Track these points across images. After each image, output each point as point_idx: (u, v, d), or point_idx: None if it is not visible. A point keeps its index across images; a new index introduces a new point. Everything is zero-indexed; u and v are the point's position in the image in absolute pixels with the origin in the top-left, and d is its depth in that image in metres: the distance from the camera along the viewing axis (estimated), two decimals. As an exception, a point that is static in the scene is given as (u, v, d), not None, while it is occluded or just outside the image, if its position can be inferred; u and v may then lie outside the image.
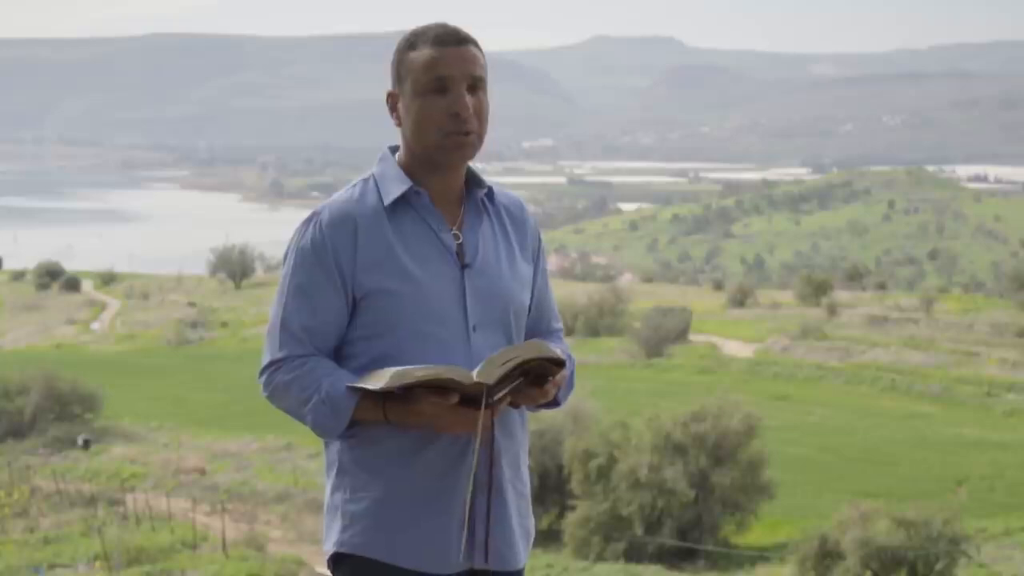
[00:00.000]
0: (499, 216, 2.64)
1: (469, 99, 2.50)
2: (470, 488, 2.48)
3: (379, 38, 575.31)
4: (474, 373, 2.37)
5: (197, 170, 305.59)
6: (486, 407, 2.39)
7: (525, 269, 2.64)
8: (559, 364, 2.45)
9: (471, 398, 2.38)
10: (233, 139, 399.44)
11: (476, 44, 2.53)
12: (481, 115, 2.53)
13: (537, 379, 2.47)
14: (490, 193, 2.63)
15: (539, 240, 2.72)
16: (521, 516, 2.62)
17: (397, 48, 2.57)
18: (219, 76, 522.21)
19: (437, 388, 2.37)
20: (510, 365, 2.37)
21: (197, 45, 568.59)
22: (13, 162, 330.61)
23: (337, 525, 2.55)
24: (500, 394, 2.40)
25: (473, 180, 2.60)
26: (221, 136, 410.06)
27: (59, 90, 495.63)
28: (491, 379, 2.36)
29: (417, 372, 2.34)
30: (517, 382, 2.42)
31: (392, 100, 2.58)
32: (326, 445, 2.60)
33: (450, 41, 2.50)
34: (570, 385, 2.63)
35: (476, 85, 2.51)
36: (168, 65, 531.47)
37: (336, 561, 2.56)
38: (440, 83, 2.48)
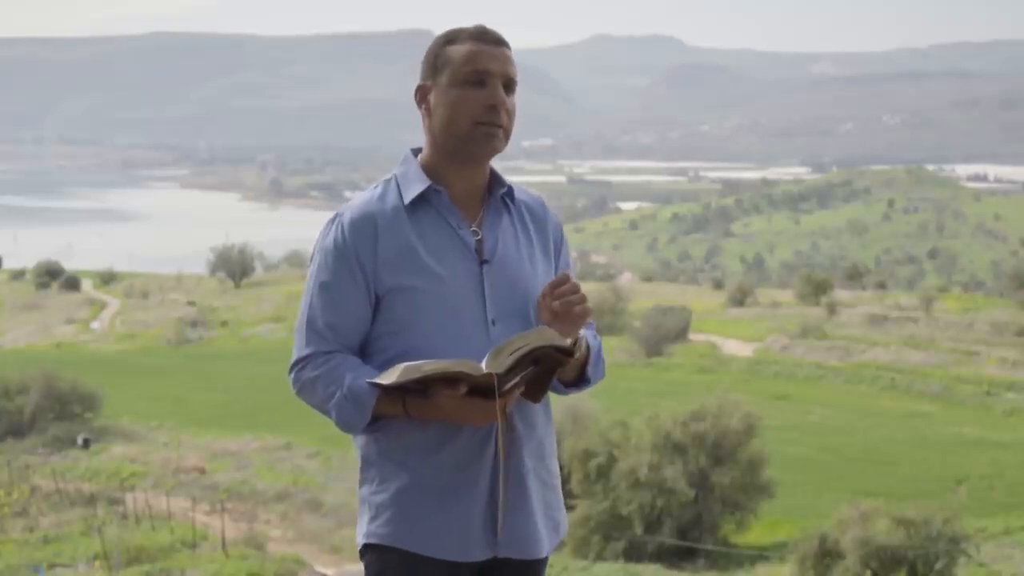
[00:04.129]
0: (520, 214, 2.70)
1: (504, 97, 2.58)
2: (501, 476, 2.54)
3: (379, 38, 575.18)
4: (483, 364, 2.41)
5: (197, 170, 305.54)
6: (499, 396, 2.43)
7: (545, 265, 2.70)
8: (568, 353, 2.50)
9: (485, 389, 2.43)
10: (233, 139, 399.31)
11: (510, 48, 2.63)
12: (511, 114, 2.61)
13: (550, 367, 2.52)
14: (510, 192, 2.69)
15: (562, 237, 2.79)
16: (548, 507, 2.68)
17: (434, 43, 2.64)
18: (219, 76, 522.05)
19: (451, 381, 2.42)
20: (519, 353, 2.41)
21: (197, 45, 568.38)
22: (13, 162, 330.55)
23: (365, 517, 2.63)
24: (511, 383, 2.44)
25: (494, 179, 2.67)
26: (221, 136, 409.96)
27: (59, 90, 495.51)
28: (500, 368, 2.40)
29: (425, 367, 2.41)
30: (528, 370, 2.46)
31: (422, 92, 2.64)
32: (355, 442, 2.68)
33: (491, 40, 2.60)
34: (599, 361, 2.70)
35: (509, 86, 2.61)
36: (168, 65, 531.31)
37: (364, 552, 2.64)
38: (478, 76, 2.56)
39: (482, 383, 2.41)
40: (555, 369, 2.53)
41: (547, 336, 2.44)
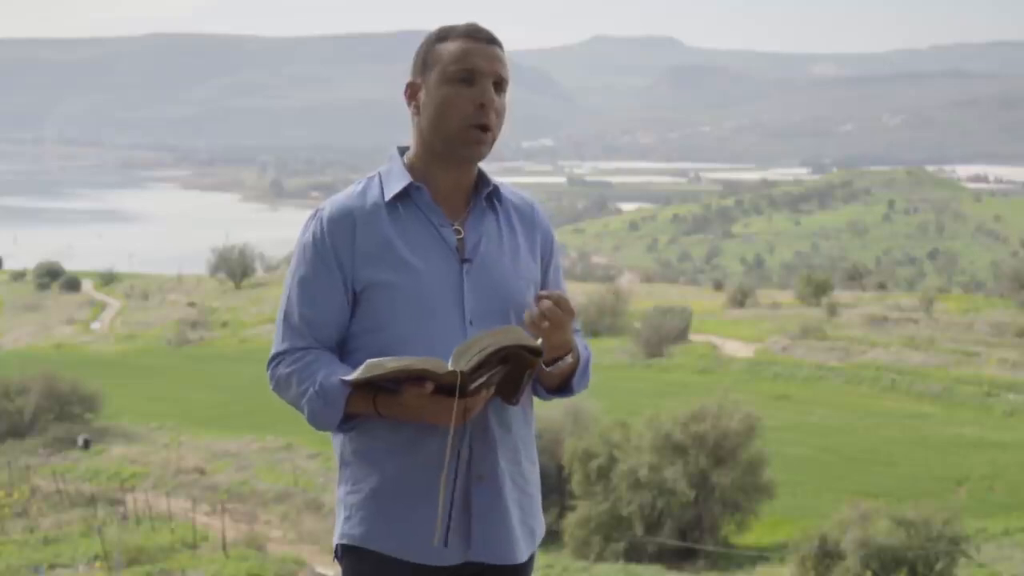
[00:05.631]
0: (507, 215, 2.65)
1: (493, 96, 2.54)
2: (443, 477, 2.46)
3: (379, 38, 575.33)
4: (448, 363, 2.36)
5: (197, 170, 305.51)
6: (464, 395, 2.38)
7: (531, 267, 2.64)
8: (537, 353, 2.43)
9: (452, 388, 2.37)
10: (233, 139, 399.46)
11: (503, 48, 2.59)
12: (500, 115, 2.56)
13: (520, 367, 2.44)
14: (496, 191, 2.64)
15: (551, 240, 2.72)
16: (523, 512, 2.61)
17: (426, 40, 2.60)
18: (219, 76, 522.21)
19: (417, 378, 2.37)
20: (485, 352, 2.35)
21: (197, 45, 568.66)
22: (13, 162, 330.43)
23: (340, 518, 2.60)
24: (478, 382, 2.38)
25: (481, 179, 2.62)
26: (221, 136, 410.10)
27: (59, 90, 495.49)
28: (465, 366, 2.34)
29: (388, 364, 2.35)
30: (496, 370, 2.40)
31: (412, 90, 2.59)
32: (333, 441, 2.64)
33: (482, 38, 2.56)
34: (585, 373, 2.65)
35: (499, 85, 2.56)
36: (168, 65, 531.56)
37: (340, 553, 2.62)
38: (468, 74, 2.52)
39: (447, 381, 2.36)
40: (525, 370, 2.45)
41: (516, 335, 2.37)
